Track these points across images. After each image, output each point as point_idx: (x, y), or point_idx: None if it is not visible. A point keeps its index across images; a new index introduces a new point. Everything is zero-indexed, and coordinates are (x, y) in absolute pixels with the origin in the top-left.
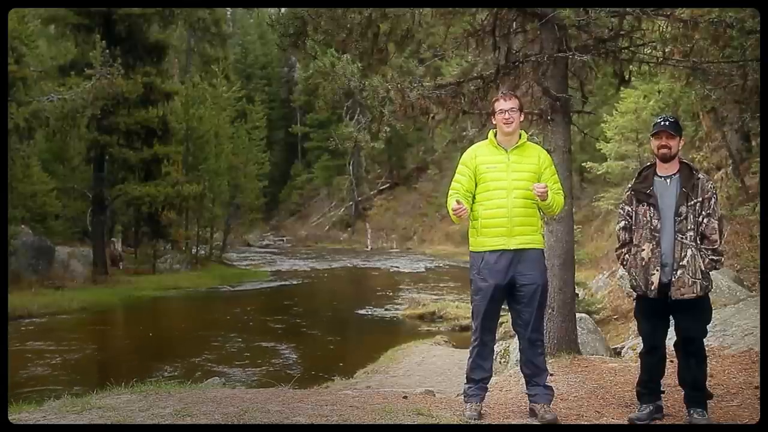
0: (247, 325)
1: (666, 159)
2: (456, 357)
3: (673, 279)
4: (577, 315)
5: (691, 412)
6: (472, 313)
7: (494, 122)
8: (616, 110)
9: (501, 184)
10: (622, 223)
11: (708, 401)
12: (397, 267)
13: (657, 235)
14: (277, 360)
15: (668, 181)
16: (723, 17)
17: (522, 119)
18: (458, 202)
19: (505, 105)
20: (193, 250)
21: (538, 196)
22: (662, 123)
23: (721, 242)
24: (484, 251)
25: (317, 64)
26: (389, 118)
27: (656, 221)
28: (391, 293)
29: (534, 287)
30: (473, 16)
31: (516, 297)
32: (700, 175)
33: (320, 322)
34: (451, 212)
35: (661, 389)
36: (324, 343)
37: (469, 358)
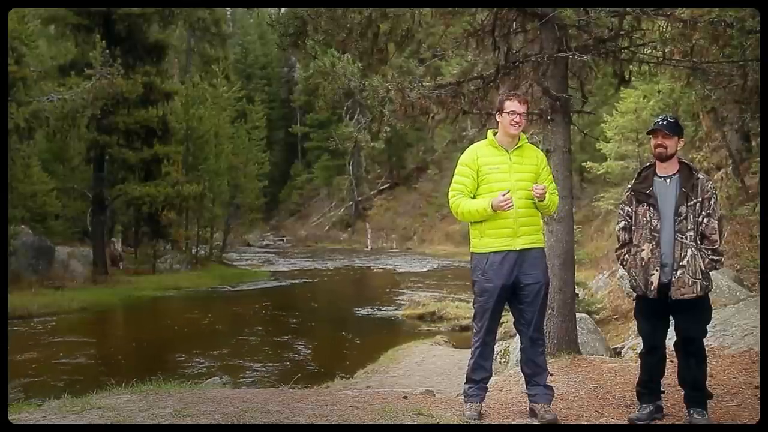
0: (246, 325)
1: (662, 158)
2: (456, 357)
3: (673, 279)
4: (577, 315)
5: (691, 412)
6: (475, 313)
7: (498, 120)
8: (616, 110)
9: (505, 185)
10: (622, 224)
11: (708, 401)
12: (397, 267)
13: (657, 235)
14: (276, 360)
15: (668, 181)
16: (723, 17)
17: (526, 123)
18: (504, 193)
19: (518, 108)
20: (193, 250)
21: (537, 196)
22: (659, 122)
23: (720, 242)
24: (489, 252)
25: (317, 64)
26: (389, 118)
27: (656, 221)
28: (391, 293)
29: (538, 286)
30: (473, 16)
31: (519, 297)
32: (699, 175)
33: (320, 322)
34: (479, 210)
35: (661, 389)
36: (324, 343)
37: (471, 358)
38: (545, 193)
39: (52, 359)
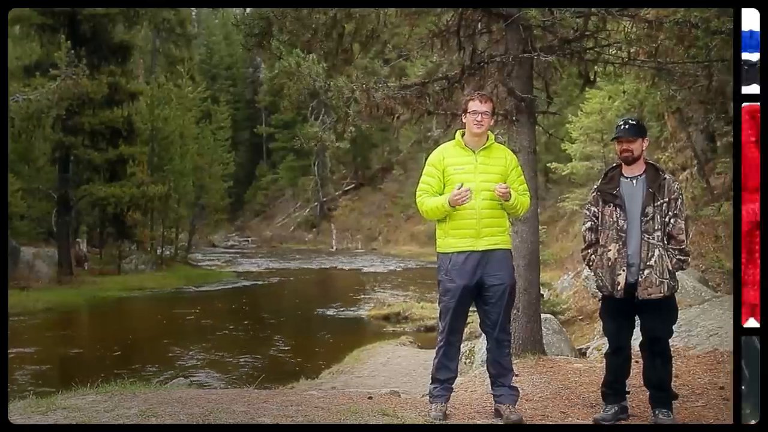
0: (210, 326)
1: (629, 162)
2: (421, 358)
3: (640, 279)
4: (542, 316)
5: (657, 412)
6: (440, 313)
7: (464, 121)
8: (581, 111)
9: (469, 186)
10: (588, 224)
11: (673, 402)
12: (362, 267)
13: (623, 235)
14: (241, 361)
15: (634, 181)
16: (688, 17)
17: (492, 123)
18: (459, 187)
19: (480, 107)
20: (158, 251)
21: (501, 196)
22: (621, 127)
23: (687, 242)
24: (452, 252)
25: (282, 65)
26: (354, 119)
27: (623, 222)
28: (356, 294)
29: (503, 287)
30: (438, 16)
31: (484, 298)
32: (666, 176)
33: (285, 322)
34: (438, 206)
35: (627, 390)
36: (289, 344)
37: (435, 357)
38: (509, 192)
39: (17, 361)
